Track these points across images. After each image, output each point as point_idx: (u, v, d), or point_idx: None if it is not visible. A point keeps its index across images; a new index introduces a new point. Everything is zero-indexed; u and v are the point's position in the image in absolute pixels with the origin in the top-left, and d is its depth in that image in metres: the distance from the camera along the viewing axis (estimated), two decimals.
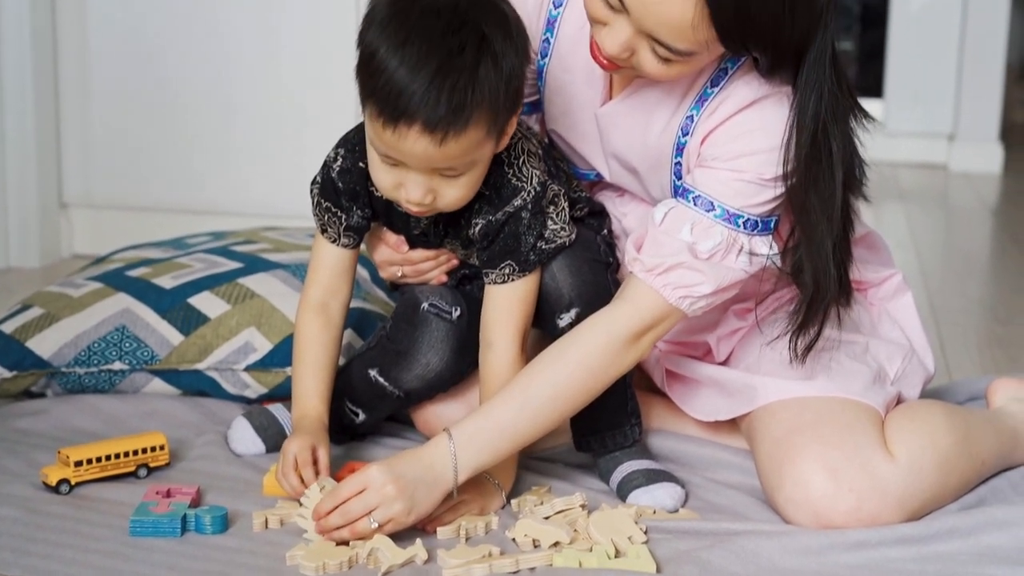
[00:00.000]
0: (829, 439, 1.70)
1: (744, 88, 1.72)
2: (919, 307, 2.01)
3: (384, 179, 1.66)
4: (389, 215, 1.80)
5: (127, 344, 2.03)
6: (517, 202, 1.72)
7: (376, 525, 1.58)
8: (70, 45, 3.12)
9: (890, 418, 1.77)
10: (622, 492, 1.80)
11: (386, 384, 1.84)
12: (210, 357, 2.03)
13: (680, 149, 1.77)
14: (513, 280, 1.75)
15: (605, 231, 1.88)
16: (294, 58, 3.06)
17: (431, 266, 1.84)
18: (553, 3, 1.83)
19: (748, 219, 1.70)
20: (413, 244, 1.83)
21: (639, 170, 1.84)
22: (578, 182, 1.90)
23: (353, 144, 1.77)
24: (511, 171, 1.73)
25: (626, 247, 1.76)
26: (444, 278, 1.86)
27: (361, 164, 1.74)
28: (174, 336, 2.04)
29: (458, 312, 1.82)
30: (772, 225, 1.73)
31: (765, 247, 1.72)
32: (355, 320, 2.06)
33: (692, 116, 1.75)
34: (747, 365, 1.88)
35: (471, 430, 1.66)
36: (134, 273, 2.17)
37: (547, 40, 1.85)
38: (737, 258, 1.71)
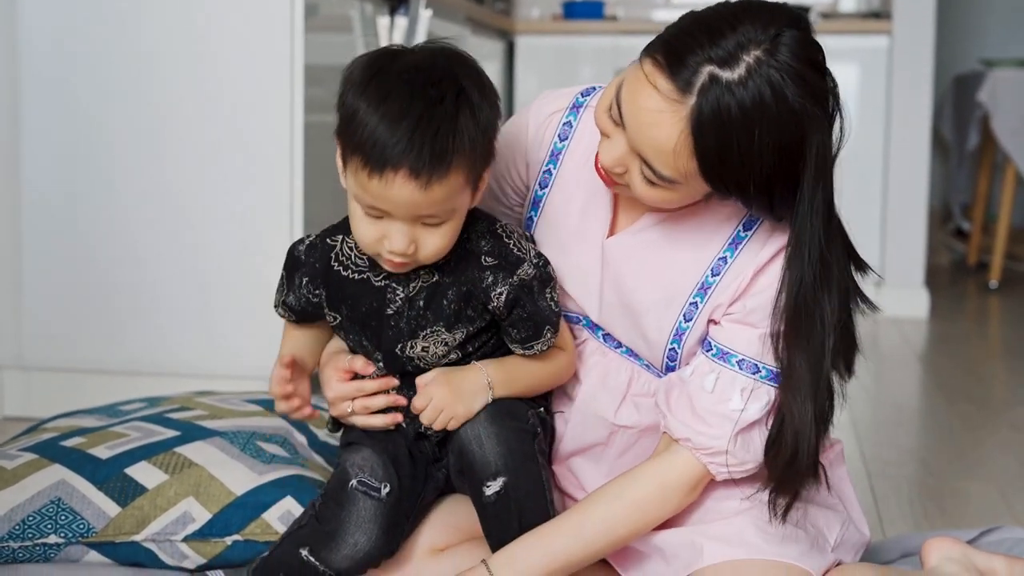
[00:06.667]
0: None
1: (779, 235, 1.77)
2: (851, 458, 2.03)
3: (367, 232, 1.71)
4: (362, 295, 1.82)
5: (63, 517, 2.00)
6: (529, 270, 1.80)
7: None
8: (2, 207, 3.13)
9: None
10: None
11: (318, 564, 1.82)
12: (147, 528, 2.01)
13: (704, 289, 1.80)
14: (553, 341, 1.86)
15: (541, 408, 1.91)
16: (227, 219, 3.08)
17: (381, 402, 1.85)
18: (559, 136, 1.90)
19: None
20: (388, 357, 1.84)
21: (641, 308, 1.85)
22: None
23: (325, 229, 1.87)
24: (511, 242, 1.81)
25: (659, 404, 1.82)
26: (399, 417, 1.86)
27: (329, 240, 1.84)
28: (111, 508, 2.02)
29: (387, 489, 1.82)
30: None
31: None
32: (294, 487, 2.06)
33: (725, 258, 1.79)
34: (692, 522, 1.86)
35: (515, 553, 1.76)
36: (69, 443, 2.15)
37: (548, 171, 1.90)
38: None
